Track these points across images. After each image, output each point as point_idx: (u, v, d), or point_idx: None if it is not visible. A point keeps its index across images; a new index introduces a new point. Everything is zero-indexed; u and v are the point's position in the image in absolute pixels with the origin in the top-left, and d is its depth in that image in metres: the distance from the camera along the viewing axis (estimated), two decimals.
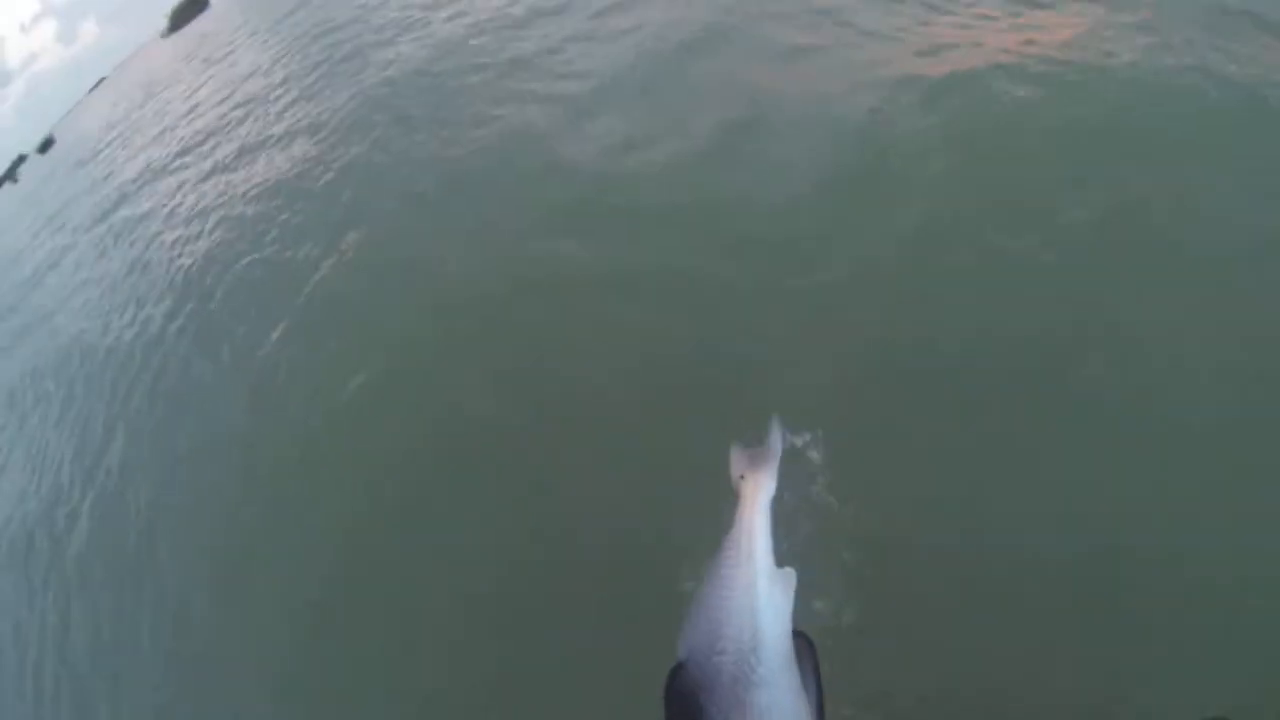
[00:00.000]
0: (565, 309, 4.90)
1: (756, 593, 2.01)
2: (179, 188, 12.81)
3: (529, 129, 6.86)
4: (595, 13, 8.52)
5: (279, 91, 13.81)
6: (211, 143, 13.80)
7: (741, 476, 2.36)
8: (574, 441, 4.07)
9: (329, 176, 8.62)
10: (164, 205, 12.66)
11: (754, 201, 4.87)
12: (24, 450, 8.84)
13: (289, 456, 5.30)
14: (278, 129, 11.50)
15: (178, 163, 14.45)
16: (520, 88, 7.70)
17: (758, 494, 2.26)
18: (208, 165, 12.70)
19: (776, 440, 2.51)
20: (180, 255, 9.93)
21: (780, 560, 2.11)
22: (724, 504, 2.24)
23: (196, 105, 18.95)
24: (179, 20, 66.30)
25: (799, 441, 3.16)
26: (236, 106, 15.06)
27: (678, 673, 1.80)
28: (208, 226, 9.94)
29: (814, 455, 3.34)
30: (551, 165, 6.23)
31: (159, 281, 9.81)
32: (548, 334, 4.80)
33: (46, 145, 69.28)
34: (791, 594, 2.05)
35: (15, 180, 70.89)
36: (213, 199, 10.81)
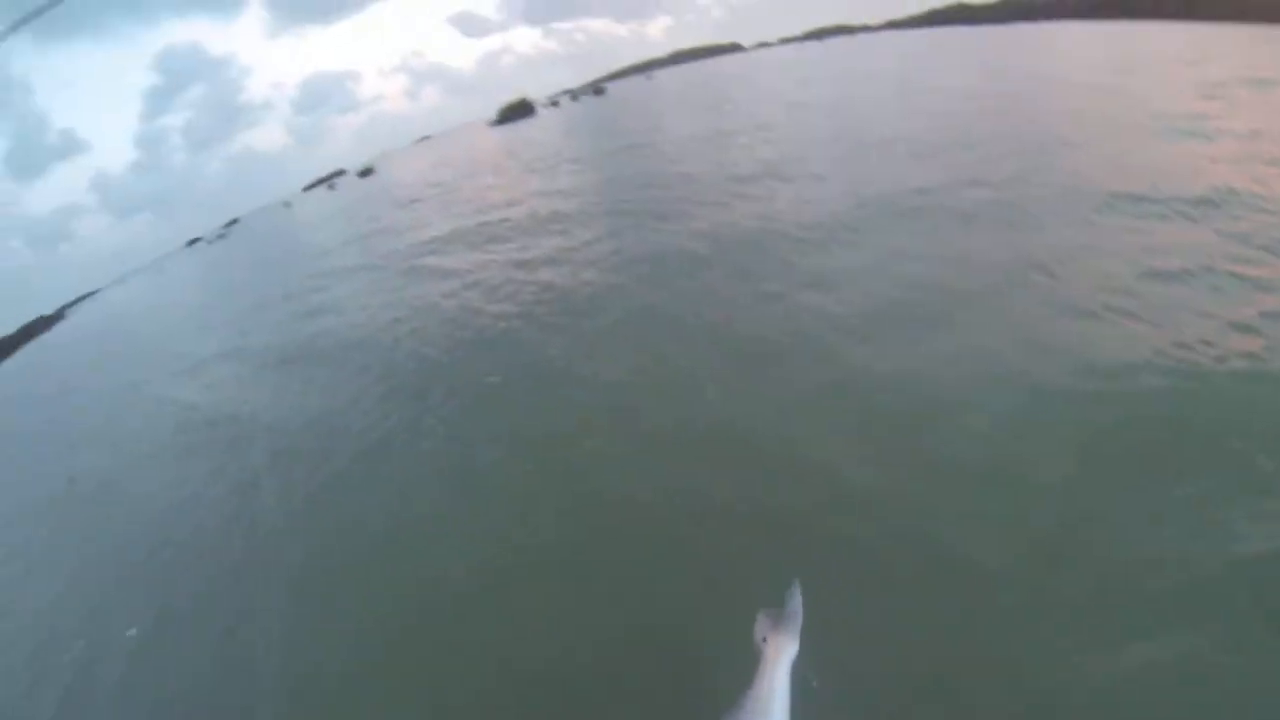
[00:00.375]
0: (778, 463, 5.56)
1: None
2: (485, 265, 14.26)
3: (807, 335, 7.47)
4: (892, 252, 9.09)
5: (591, 219, 15.20)
6: (522, 240, 15.25)
7: (764, 639, 2.40)
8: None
9: (621, 313, 9.50)
10: (467, 273, 14.11)
11: (956, 429, 5.44)
12: (312, 398, 10.57)
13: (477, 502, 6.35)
14: (584, 255, 12.60)
15: (489, 245, 15.99)
16: (809, 299, 8.29)
17: (779, 657, 2.31)
18: (514, 257, 14.02)
19: (797, 604, 2.50)
20: (471, 321, 11.15)
21: None
22: (746, 662, 2.35)
23: (514, 200, 20.95)
24: (507, 116, 72.81)
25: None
26: (550, 220, 16.52)
27: None
28: (503, 310, 11.06)
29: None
30: (812, 364, 6.93)
31: (447, 332, 11.06)
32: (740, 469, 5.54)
33: (366, 172, 77.05)
34: None
35: (332, 188, 79.51)
36: (512, 289, 11.95)
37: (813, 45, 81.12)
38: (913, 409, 5.80)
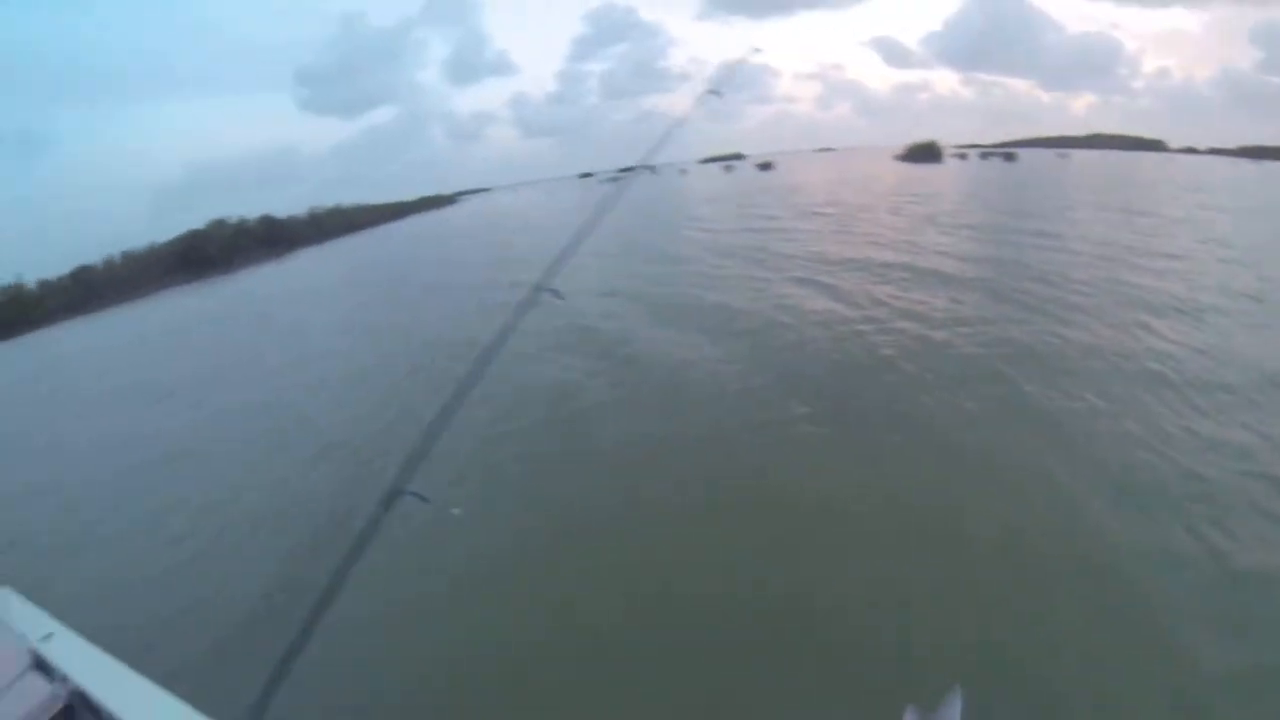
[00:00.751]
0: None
1: None
2: (878, 303, 14.66)
3: (1178, 500, 7.02)
4: None
5: (986, 296, 14.82)
6: (917, 293, 15.33)
7: None
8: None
9: (1005, 404, 9.51)
10: (859, 305, 14.65)
11: None
12: (699, 360, 11.40)
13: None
14: (976, 332, 12.49)
15: (882, 285, 16.22)
16: (1191, 462, 7.72)
17: None
18: (907, 307, 14.21)
19: (955, 716, 2.02)
20: (858, 355, 11.67)
21: None
22: None
23: (912, 248, 20.97)
24: (913, 155, 71.50)
25: None
26: (945, 281, 16.41)
27: None
28: (890, 355, 11.51)
29: None
30: (1176, 528, 6.47)
31: (833, 355, 11.75)
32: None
33: (765, 165, 79.42)
34: None
35: (729, 169, 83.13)
36: (902, 339, 12.23)
37: (1247, 165, 69.92)
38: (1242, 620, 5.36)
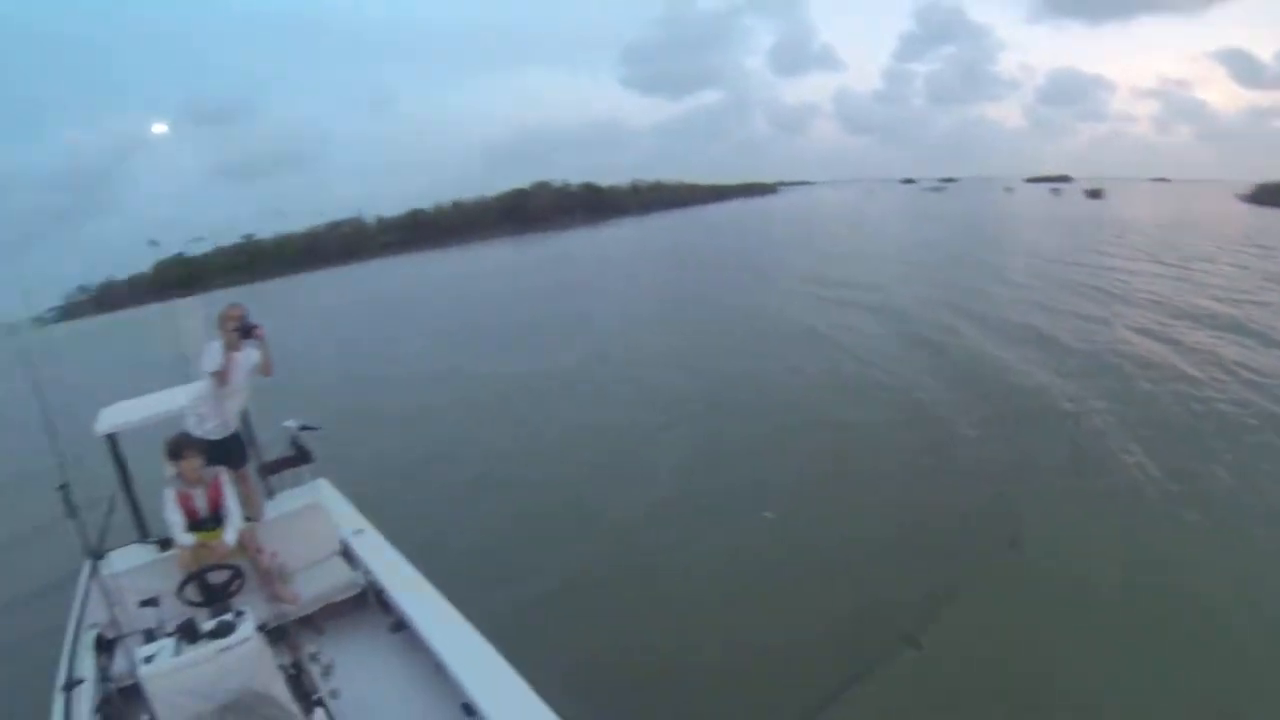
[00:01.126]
0: None
1: None
2: (1218, 365, 14.08)
3: None
4: None
5: None
6: (1252, 367, 14.03)
7: None
8: None
9: None
10: (1195, 366, 14.08)
11: None
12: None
13: None
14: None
15: (1222, 347, 15.30)
16: None
17: None
18: (1239, 375, 13.43)
19: None
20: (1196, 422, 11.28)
21: None
22: None
23: (1265, 310, 18.90)
24: (1265, 196, 62.64)
25: None
26: None
27: None
28: (1219, 415, 11.41)
29: None
30: None
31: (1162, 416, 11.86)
32: None
33: (1095, 193, 73.27)
34: None
35: (1056, 193, 77.36)
36: (1215, 404, 11.81)
37: None
38: None
